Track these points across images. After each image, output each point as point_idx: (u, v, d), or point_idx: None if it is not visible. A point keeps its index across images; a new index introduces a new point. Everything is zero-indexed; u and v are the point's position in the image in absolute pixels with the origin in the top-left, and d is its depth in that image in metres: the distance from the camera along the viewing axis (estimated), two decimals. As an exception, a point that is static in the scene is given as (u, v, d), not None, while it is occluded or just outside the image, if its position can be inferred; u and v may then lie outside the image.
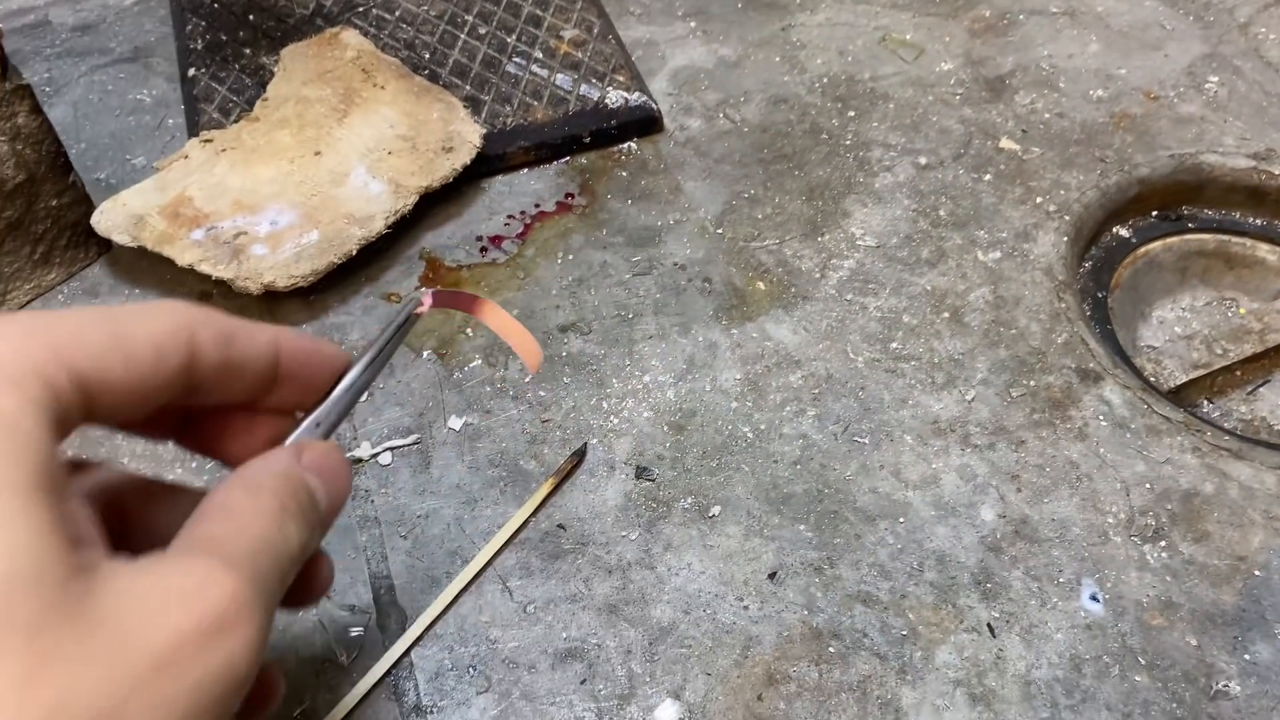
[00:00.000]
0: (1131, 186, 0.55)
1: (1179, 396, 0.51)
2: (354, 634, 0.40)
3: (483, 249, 0.53)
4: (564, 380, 0.48)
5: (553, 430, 0.46)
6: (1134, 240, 0.56)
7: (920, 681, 0.38)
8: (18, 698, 0.17)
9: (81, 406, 0.21)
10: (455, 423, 0.46)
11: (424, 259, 0.53)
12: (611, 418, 0.46)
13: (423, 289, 0.34)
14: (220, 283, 0.49)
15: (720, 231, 0.54)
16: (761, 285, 0.51)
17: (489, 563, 0.41)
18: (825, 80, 0.62)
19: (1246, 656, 0.38)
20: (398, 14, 0.64)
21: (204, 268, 0.49)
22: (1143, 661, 0.38)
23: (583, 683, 0.38)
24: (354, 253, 0.50)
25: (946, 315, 0.50)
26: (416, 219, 0.54)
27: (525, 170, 0.57)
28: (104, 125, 0.60)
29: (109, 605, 0.19)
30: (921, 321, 0.50)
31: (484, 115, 0.58)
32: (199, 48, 0.62)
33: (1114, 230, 0.56)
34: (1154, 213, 0.57)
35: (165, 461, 0.45)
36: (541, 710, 0.37)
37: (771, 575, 0.41)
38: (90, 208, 0.51)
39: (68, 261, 0.52)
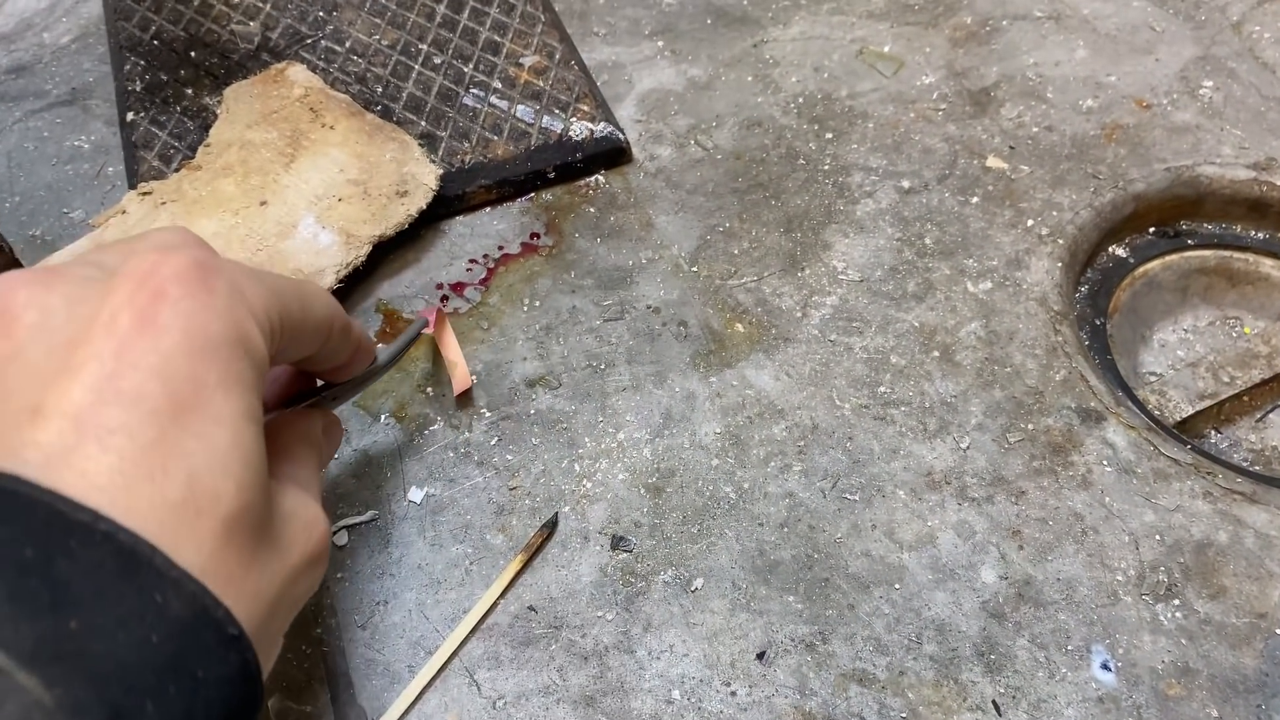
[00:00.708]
0: (1127, 203, 0.52)
1: (1185, 428, 0.48)
2: (310, 740, 0.37)
3: (444, 298, 0.50)
4: (532, 441, 0.45)
5: (521, 498, 0.43)
6: (1131, 260, 0.53)
7: (923, 771, 0.35)
8: (239, 580, 0.23)
9: (274, 351, 0.27)
10: (416, 494, 0.43)
11: (380, 311, 0.50)
12: (584, 481, 0.43)
13: (430, 311, 0.47)
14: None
15: (695, 269, 0.51)
16: (740, 327, 0.48)
17: (454, 653, 0.38)
18: (801, 100, 0.59)
19: (1272, 728, 0.36)
20: (348, 45, 0.60)
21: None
22: (1161, 738, 0.35)
23: (558, 787, 0.35)
24: (304, 311, 0.47)
25: (937, 354, 0.47)
26: (371, 269, 0.51)
27: (487, 210, 0.54)
28: (40, 176, 0.57)
29: (279, 524, 0.26)
30: (910, 362, 0.47)
31: (441, 153, 0.54)
32: (138, 89, 0.58)
33: (1110, 250, 0.53)
34: (1151, 229, 0.54)
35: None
36: (514, 821, 0.34)
37: (760, 655, 0.38)
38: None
39: None
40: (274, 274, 0.28)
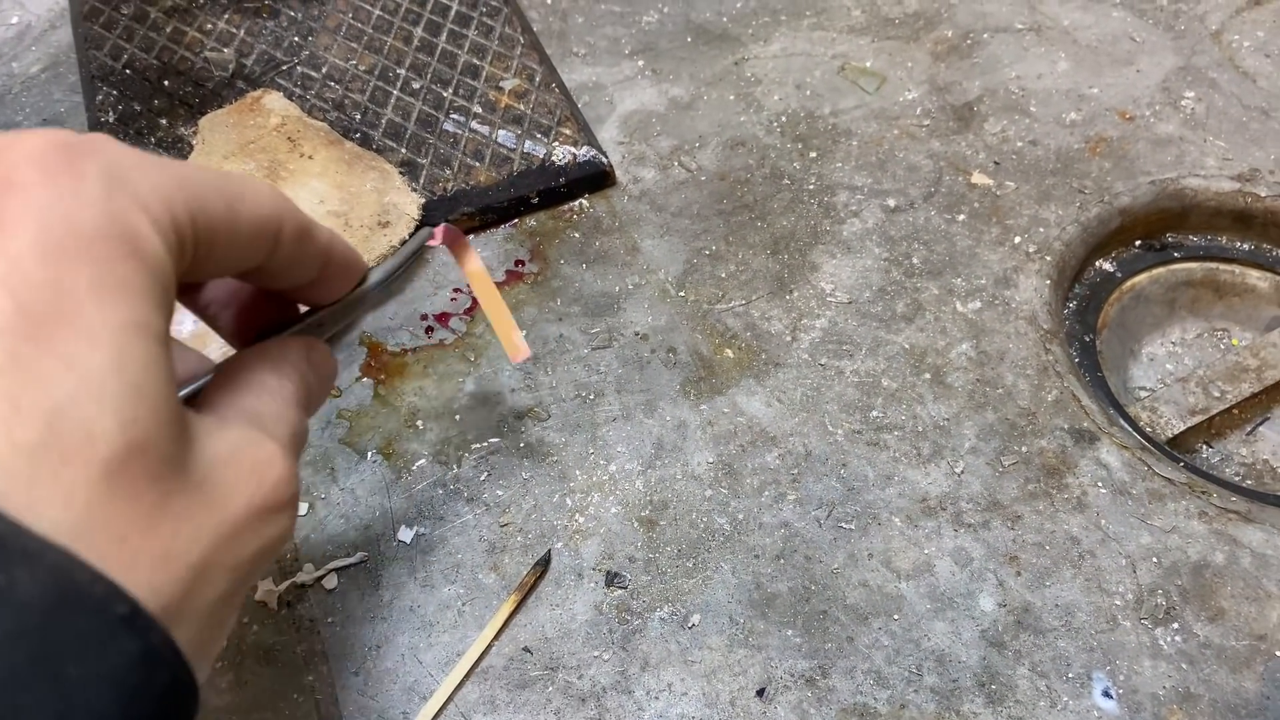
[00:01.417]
0: (1113, 218, 0.52)
1: (1177, 444, 0.48)
2: (304, 793, 0.36)
3: (428, 329, 0.49)
4: (522, 475, 0.44)
5: (513, 535, 0.42)
6: (1119, 275, 0.53)
7: (928, 808, 0.35)
8: (136, 542, 0.18)
9: (186, 259, 0.21)
10: (405, 534, 0.42)
11: (364, 344, 0.49)
12: (577, 516, 0.43)
13: (439, 225, 0.35)
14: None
15: (682, 294, 0.50)
16: (730, 353, 0.48)
17: (450, 698, 0.37)
18: (784, 118, 0.58)
19: (1275, 753, 0.35)
20: (324, 71, 0.60)
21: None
22: (1165, 767, 0.35)
23: (559, 835, 0.34)
24: (287, 348, 0.46)
25: (928, 376, 0.47)
26: (355, 301, 0.50)
27: (470, 237, 0.53)
28: (12, 212, 0.56)
29: (203, 468, 0.20)
30: (902, 385, 0.46)
31: (422, 181, 0.54)
32: (111, 120, 0.57)
33: (1097, 265, 0.53)
34: (1137, 243, 0.54)
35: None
36: None
37: (760, 692, 0.37)
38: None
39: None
40: (189, 163, 0.22)
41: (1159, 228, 0.54)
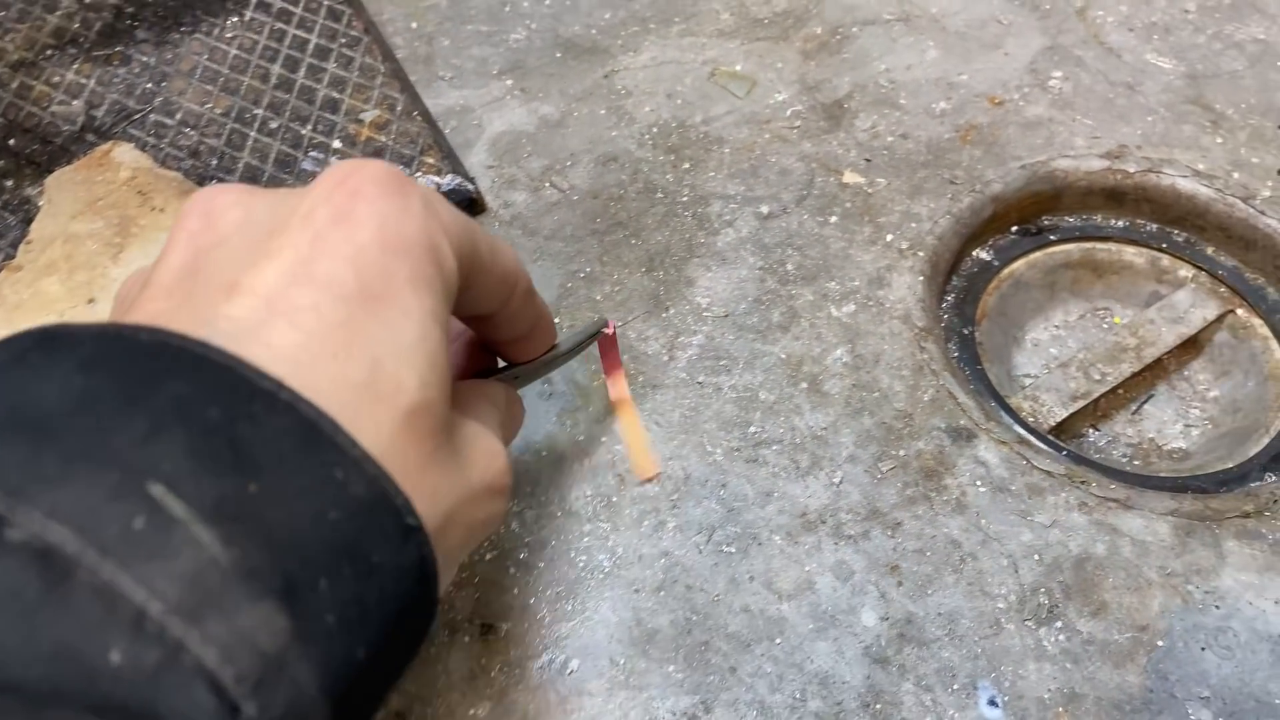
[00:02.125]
0: (985, 206, 0.52)
1: (1063, 431, 0.48)
2: None
3: (295, 380, 0.48)
4: (395, 527, 0.42)
5: (386, 592, 0.40)
6: (996, 263, 0.52)
7: (814, 840, 0.34)
8: (416, 478, 0.22)
9: (460, 285, 0.26)
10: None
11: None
12: (451, 565, 0.41)
13: (611, 321, 0.44)
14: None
15: (557, 320, 0.49)
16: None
17: None
18: (655, 130, 0.57)
19: (1159, 746, 0.35)
20: (179, 117, 0.57)
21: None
22: (1051, 772, 0.35)
23: None
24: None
25: (805, 385, 0.46)
26: (215, 358, 0.48)
27: (336, 279, 0.51)
28: None
29: (459, 442, 0.25)
30: (779, 397, 0.45)
31: (281, 225, 0.52)
32: (-46, 187, 0.55)
33: (974, 255, 0.53)
34: (1013, 229, 0.54)
35: None
36: None
37: (640, 734, 0.36)
38: None
39: None
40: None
41: (1033, 212, 0.54)
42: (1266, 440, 0.45)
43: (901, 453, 0.43)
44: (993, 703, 0.36)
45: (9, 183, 0.55)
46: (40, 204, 0.53)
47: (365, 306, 0.22)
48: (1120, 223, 0.54)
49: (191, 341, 0.20)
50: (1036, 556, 0.40)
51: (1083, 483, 0.42)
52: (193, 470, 0.18)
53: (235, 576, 0.18)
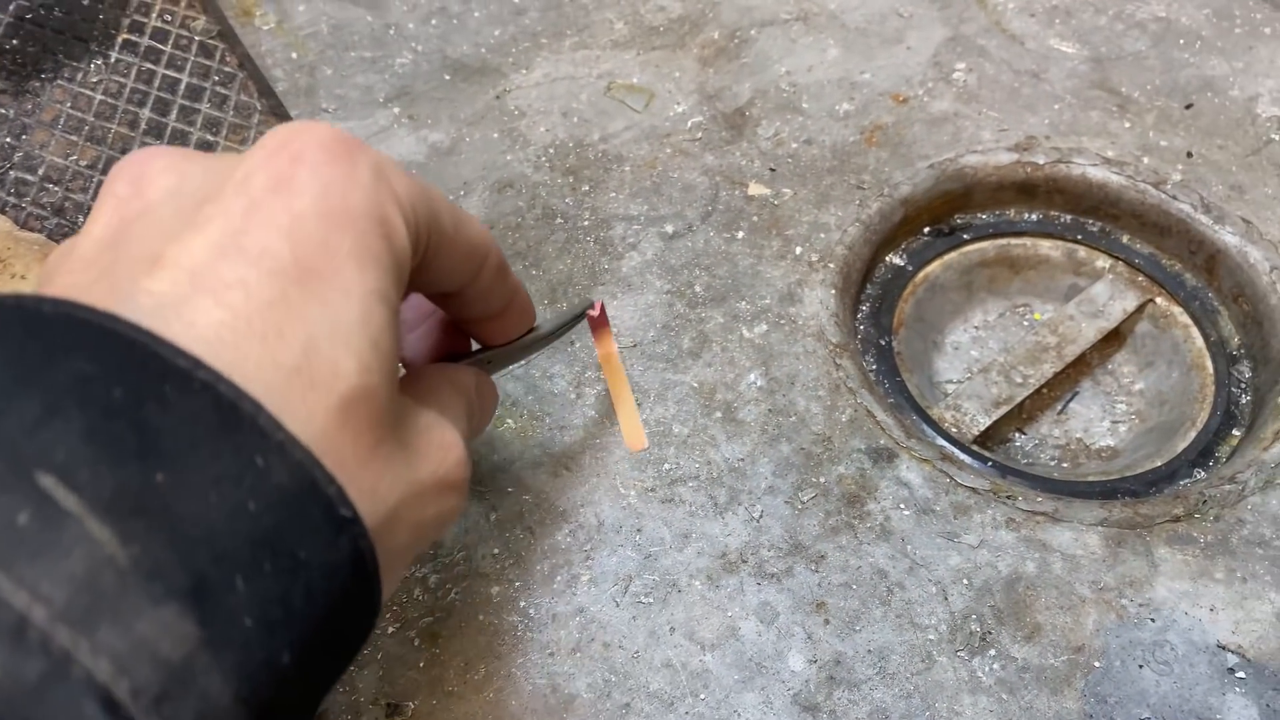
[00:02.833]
0: (895, 210, 0.50)
1: (988, 438, 0.46)
2: None
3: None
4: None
5: (282, 678, 0.38)
6: (910, 268, 0.51)
7: None
8: (353, 470, 0.20)
9: (417, 258, 0.24)
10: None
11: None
12: (353, 641, 0.38)
13: (598, 300, 0.42)
14: None
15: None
16: (511, 423, 0.44)
17: None
18: (552, 151, 0.55)
19: (1102, 776, 0.33)
20: (41, 173, 0.54)
21: None
22: (993, 815, 0.33)
23: None
24: None
25: (719, 415, 0.44)
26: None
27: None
28: None
29: (409, 432, 0.24)
30: (693, 429, 0.43)
31: (155, 283, 0.48)
32: None
33: (887, 261, 0.51)
34: (925, 231, 0.52)
35: None
36: None
37: (560, 814, 0.34)
38: None
39: None
40: (430, 182, 0.26)
41: (945, 211, 0.52)
42: (1193, 434, 0.44)
43: (822, 479, 0.41)
44: (929, 744, 0.34)
45: None
46: (-110, 278, 0.49)
47: (301, 283, 0.20)
48: (1034, 216, 0.52)
49: (100, 314, 0.18)
50: (966, 581, 0.38)
51: (1009, 497, 0.40)
52: (90, 458, 0.16)
53: (134, 577, 0.16)
